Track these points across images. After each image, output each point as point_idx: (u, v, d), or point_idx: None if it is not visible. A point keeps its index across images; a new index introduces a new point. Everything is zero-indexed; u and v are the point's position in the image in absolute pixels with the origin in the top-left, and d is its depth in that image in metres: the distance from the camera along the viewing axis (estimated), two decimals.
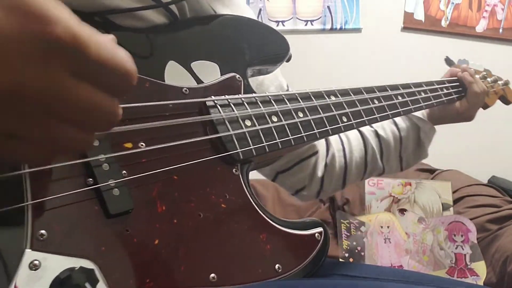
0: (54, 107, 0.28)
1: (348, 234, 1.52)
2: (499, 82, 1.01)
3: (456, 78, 0.91)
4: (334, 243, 1.52)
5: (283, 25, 2.09)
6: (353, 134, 0.85)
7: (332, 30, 2.14)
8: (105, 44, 0.30)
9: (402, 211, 1.59)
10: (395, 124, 0.87)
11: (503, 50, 2.15)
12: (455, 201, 1.61)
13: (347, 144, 0.84)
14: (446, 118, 0.91)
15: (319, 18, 2.13)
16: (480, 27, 2.15)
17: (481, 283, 1.38)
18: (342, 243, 1.50)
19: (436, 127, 0.90)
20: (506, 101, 1.05)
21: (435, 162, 1.81)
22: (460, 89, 0.90)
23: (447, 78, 0.92)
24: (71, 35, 0.27)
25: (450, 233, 1.50)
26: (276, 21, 2.09)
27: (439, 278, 0.56)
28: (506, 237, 1.40)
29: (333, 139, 0.84)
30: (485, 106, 1.00)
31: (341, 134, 0.84)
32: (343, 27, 2.14)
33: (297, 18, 2.11)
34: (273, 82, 0.74)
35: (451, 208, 1.59)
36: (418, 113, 0.88)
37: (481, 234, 1.48)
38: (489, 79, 0.99)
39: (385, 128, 0.86)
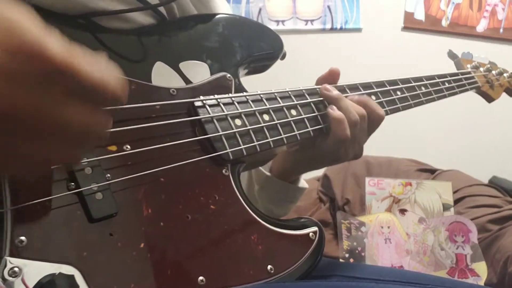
0: (46, 128, 0.29)
1: (349, 234, 1.52)
2: (505, 75, 0.99)
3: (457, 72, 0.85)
4: (335, 244, 1.51)
5: (283, 24, 2.09)
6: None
7: (332, 30, 2.14)
8: (96, 64, 0.30)
9: (403, 211, 1.59)
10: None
11: (504, 50, 2.15)
12: (456, 201, 1.61)
13: None
14: (300, 165, 0.66)
15: (319, 18, 2.13)
16: (481, 27, 2.14)
17: (481, 283, 1.38)
18: (343, 243, 1.50)
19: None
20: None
21: (435, 162, 1.81)
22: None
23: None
24: (62, 59, 0.28)
25: (451, 234, 1.50)
26: (276, 21, 2.09)
27: (439, 279, 0.56)
28: (507, 237, 1.40)
29: None
30: (490, 100, 0.97)
31: None
32: (343, 27, 2.14)
33: (297, 18, 2.11)
34: None
35: (452, 208, 1.59)
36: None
37: (482, 235, 1.47)
38: (494, 72, 0.98)
39: None
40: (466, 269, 1.43)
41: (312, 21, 2.12)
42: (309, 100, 0.59)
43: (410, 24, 2.14)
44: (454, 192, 1.62)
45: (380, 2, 2.15)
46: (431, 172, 1.76)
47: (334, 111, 0.59)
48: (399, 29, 2.16)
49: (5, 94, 0.27)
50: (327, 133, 0.60)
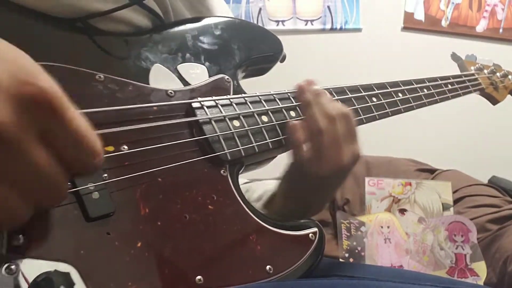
0: (7, 161, 0.28)
1: (348, 234, 1.52)
2: (510, 77, 0.99)
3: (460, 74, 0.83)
4: (334, 243, 1.51)
5: (283, 24, 2.09)
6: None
7: (332, 30, 2.14)
8: (80, 117, 0.31)
9: (402, 211, 1.59)
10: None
11: (503, 50, 2.16)
12: (455, 201, 1.61)
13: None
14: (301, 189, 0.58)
15: (319, 18, 2.13)
16: (480, 27, 2.15)
17: (481, 283, 1.38)
18: (342, 243, 1.50)
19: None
20: None
21: (435, 162, 1.81)
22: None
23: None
24: (54, 92, 0.29)
25: (450, 233, 1.50)
26: (276, 21, 2.09)
27: (438, 278, 0.56)
28: (507, 237, 1.40)
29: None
30: (495, 102, 0.97)
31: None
32: (343, 27, 2.14)
33: (297, 18, 2.11)
34: None
35: (451, 208, 1.59)
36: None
37: (482, 234, 1.48)
38: (498, 74, 0.97)
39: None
40: (465, 269, 1.44)
41: (312, 21, 2.13)
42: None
43: (410, 24, 2.14)
44: (454, 192, 1.62)
45: (380, 2, 2.15)
46: (430, 172, 1.76)
47: (304, 94, 0.55)
48: (399, 29, 2.16)
49: None
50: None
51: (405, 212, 1.59)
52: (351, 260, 1.48)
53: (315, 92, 0.56)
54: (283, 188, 0.60)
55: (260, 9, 2.08)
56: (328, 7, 2.13)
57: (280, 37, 0.65)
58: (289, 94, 0.58)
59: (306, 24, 2.12)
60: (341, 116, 0.54)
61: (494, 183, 1.75)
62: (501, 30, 2.14)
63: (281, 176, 0.60)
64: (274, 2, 2.09)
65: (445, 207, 1.60)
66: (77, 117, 0.30)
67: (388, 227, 1.54)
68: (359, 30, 2.16)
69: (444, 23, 2.15)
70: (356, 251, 1.49)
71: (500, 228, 1.45)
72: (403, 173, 1.72)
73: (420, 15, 2.14)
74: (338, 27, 2.14)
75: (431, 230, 1.52)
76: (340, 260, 1.45)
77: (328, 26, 2.14)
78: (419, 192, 1.63)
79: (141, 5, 0.53)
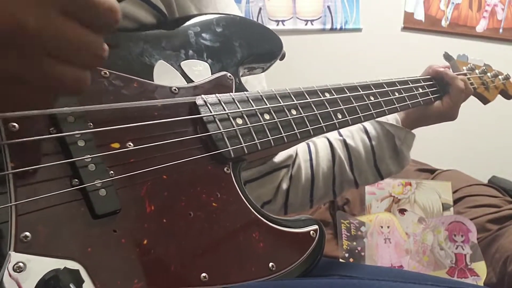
0: (48, 44, 0.31)
1: (348, 234, 1.52)
2: (500, 77, 1.00)
3: (429, 77, 0.85)
4: (334, 243, 1.51)
5: (283, 24, 2.09)
6: (322, 143, 0.82)
7: (332, 30, 2.14)
8: None
9: (402, 211, 1.59)
10: (366, 132, 0.82)
11: (503, 50, 2.15)
12: (455, 201, 1.61)
13: (315, 154, 0.81)
14: (426, 120, 0.85)
15: (319, 18, 2.13)
16: (480, 27, 2.15)
17: (481, 283, 1.38)
18: (342, 243, 1.50)
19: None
20: (507, 96, 1.04)
21: (435, 162, 1.81)
22: (436, 88, 0.85)
23: (423, 76, 0.85)
24: None
25: (450, 233, 1.50)
26: (276, 21, 2.09)
27: (438, 278, 0.56)
28: (507, 237, 1.40)
29: (301, 149, 0.81)
30: (486, 101, 0.98)
31: (310, 143, 0.81)
32: (343, 27, 2.14)
33: (297, 17, 2.11)
34: (256, 87, 0.73)
35: (451, 208, 1.59)
36: (392, 118, 0.82)
37: (482, 234, 1.48)
38: (489, 74, 0.99)
39: (355, 137, 0.81)
40: (465, 269, 1.44)
41: (312, 21, 2.13)
42: (309, 100, 0.60)
43: (410, 24, 2.14)
44: (454, 192, 1.62)
45: (380, 2, 2.15)
46: (430, 172, 1.76)
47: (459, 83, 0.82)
48: (399, 29, 2.16)
49: (13, 10, 0.28)
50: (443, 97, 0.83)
51: (405, 212, 1.59)
52: (351, 260, 1.48)
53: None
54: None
55: (260, 8, 2.08)
56: (328, 7, 2.13)
57: (280, 37, 0.65)
58: (290, 92, 0.59)
59: (306, 24, 2.12)
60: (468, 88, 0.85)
61: (494, 183, 1.75)
62: (501, 30, 2.14)
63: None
64: (274, 2, 2.09)
65: (445, 207, 1.60)
66: None
67: (388, 227, 1.54)
68: (359, 30, 2.16)
69: (444, 23, 2.15)
70: (356, 251, 1.49)
71: (500, 228, 1.45)
72: (403, 173, 1.71)
73: (420, 15, 2.14)
74: (338, 27, 2.14)
75: (431, 230, 1.52)
76: (340, 260, 1.45)
77: (328, 26, 2.14)
78: (419, 192, 1.63)
79: (152, 5, 0.54)
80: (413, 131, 0.86)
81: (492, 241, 1.44)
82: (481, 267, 1.43)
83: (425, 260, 1.48)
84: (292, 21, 2.11)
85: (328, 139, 0.82)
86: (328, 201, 1.68)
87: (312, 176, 0.79)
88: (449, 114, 0.84)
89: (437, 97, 0.83)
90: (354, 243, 1.50)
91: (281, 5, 2.10)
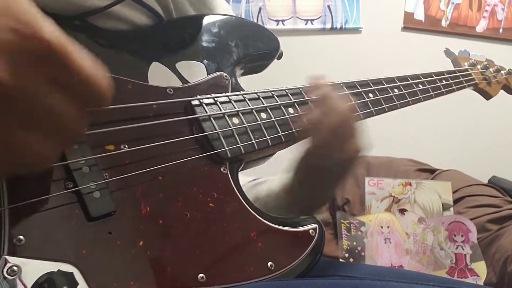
0: (21, 110, 0.28)
1: (348, 234, 1.52)
2: (502, 72, 1.00)
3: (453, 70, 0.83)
4: (334, 243, 1.51)
5: (283, 24, 2.09)
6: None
7: (332, 29, 2.14)
8: (89, 59, 0.30)
9: (402, 211, 1.59)
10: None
11: (503, 50, 2.15)
12: (456, 201, 1.61)
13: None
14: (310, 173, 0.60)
15: (319, 18, 2.13)
16: (480, 27, 2.15)
17: (481, 283, 1.38)
18: (342, 243, 1.50)
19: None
20: (509, 91, 1.03)
21: (435, 162, 1.81)
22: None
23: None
24: (59, 41, 0.28)
25: (450, 233, 1.50)
26: (276, 20, 2.09)
27: (438, 278, 0.56)
28: (507, 237, 1.40)
29: None
30: (488, 97, 0.97)
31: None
32: (343, 27, 2.14)
33: (297, 17, 2.11)
34: None
35: (452, 208, 1.59)
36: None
37: (482, 234, 1.48)
38: (491, 69, 0.98)
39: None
40: (465, 269, 1.44)
41: (312, 20, 2.12)
42: (306, 98, 0.60)
43: (410, 24, 2.14)
44: (454, 192, 1.62)
45: (380, 2, 2.15)
46: (430, 172, 1.76)
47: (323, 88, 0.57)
48: (399, 29, 2.16)
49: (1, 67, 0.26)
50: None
51: (405, 212, 1.59)
52: (351, 260, 1.47)
53: (327, 88, 0.58)
54: (289, 182, 0.62)
55: (260, 8, 2.08)
56: (328, 6, 2.13)
57: (280, 37, 0.65)
58: (287, 91, 0.59)
59: (306, 24, 2.12)
60: (351, 111, 0.58)
61: (494, 183, 1.75)
62: (501, 30, 2.14)
63: (286, 172, 0.62)
64: (274, 1, 2.09)
65: (445, 207, 1.60)
66: (85, 61, 0.30)
67: (388, 227, 1.54)
68: (359, 30, 2.16)
69: (444, 23, 2.15)
70: (356, 251, 1.49)
71: (500, 228, 1.45)
72: (403, 173, 1.72)
73: (420, 15, 2.14)
74: (338, 26, 2.14)
75: (431, 230, 1.52)
76: (340, 260, 1.45)
77: (328, 25, 2.14)
78: (419, 192, 1.63)
79: (139, 1, 0.53)
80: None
81: (492, 241, 1.44)
82: (481, 267, 1.43)
83: (425, 260, 1.48)
84: (292, 20, 2.11)
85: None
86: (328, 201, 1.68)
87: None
88: (324, 156, 0.56)
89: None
90: (354, 243, 1.50)
91: (281, 5, 2.10)
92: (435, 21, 2.14)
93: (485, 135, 2.16)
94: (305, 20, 2.12)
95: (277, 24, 2.08)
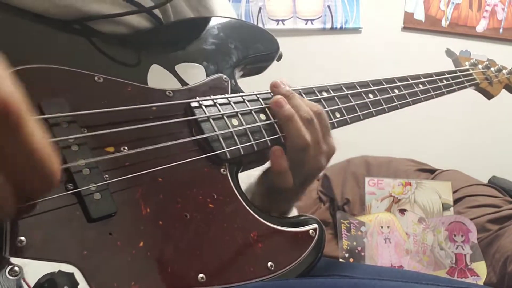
0: None
1: (348, 234, 1.52)
2: (504, 71, 0.99)
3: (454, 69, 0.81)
4: (334, 243, 1.51)
5: (283, 24, 2.09)
6: None
7: (332, 29, 2.14)
8: (39, 133, 0.28)
9: (402, 211, 1.59)
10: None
11: (503, 50, 2.16)
12: (455, 201, 1.61)
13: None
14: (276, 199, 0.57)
15: (319, 18, 2.13)
16: (480, 27, 2.15)
17: (481, 283, 1.38)
18: (342, 243, 1.50)
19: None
20: (511, 90, 1.03)
21: (435, 162, 1.81)
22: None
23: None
24: (13, 104, 0.25)
25: (450, 233, 1.50)
26: (276, 20, 2.09)
27: (439, 278, 0.56)
28: (507, 237, 1.40)
29: None
30: (490, 96, 0.97)
31: None
32: (343, 27, 2.14)
33: (297, 17, 2.11)
34: None
35: (451, 208, 1.59)
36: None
37: (482, 234, 1.48)
38: (492, 69, 0.98)
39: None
40: (465, 269, 1.44)
41: (312, 20, 2.13)
42: (305, 99, 0.59)
43: (410, 24, 2.14)
44: (454, 192, 1.62)
45: (380, 2, 2.15)
46: (430, 172, 1.76)
47: (282, 108, 0.52)
48: (399, 29, 2.16)
49: None
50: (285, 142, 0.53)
51: (405, 212, 1.59)
52: (351, 260, 1.48)
53: (288, 95, 0.54)
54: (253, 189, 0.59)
55: (260, 8, 2.08)
56: (328, 6, 2.13)
57: (280, 37, 0.65)
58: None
59: (306, 24, 2.12)
60: (317, 116, 0.54)
61: (494, 183, 1.75)
62: (501, 30, 2.14)
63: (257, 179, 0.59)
64: (274, 1, 2.09)
65: (445, 207, 1.60)
66: (36, 132, 0.27)
67: (388, 227, 1.54)
68: (359, 30, 2.16)
69: (444, 23, 2.15)
70: (356, 251, 1.49)
71: (500, 228, 1.45)
72: (403, 173, 1.72)
73: (420, 15, 2.14)
74: (338, 26, 2.14)
75: (431, 230, 1.52)
76: (340, 260, 1.45)
77: (328, 25, 2.14)
78: (419, 192, 1.63)
79: (149, 13, 0.53)
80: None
81: (492, 241, 1.44)
82: (481, 267, 1.43)
83: (425, 260, 1.48)
84: (292, 20, 2.11)
85: None
86: (328, 201, 1.68)
87: None
88: (305, 166, 0.54)
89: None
90: (354, 243, 1.50)
91: (281, 5, 2.10)
92: (435, 21, 2.14)
93: (485, 135, 2.16)
94: (305, 20, 2.12)
95: (277, 24, 2.09)
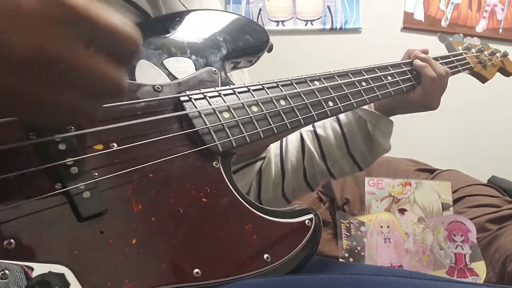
0: (69, 76, 0.31)
1: (348, 234, 1.52)
2: (497, 55, 0.98)
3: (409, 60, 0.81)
4: (334, 243, 1.51)
5: (283, 25, 2.10)
6: (293, 136, 0.80)
7: (332, 30, 2.14)
8: (113, 15, 0.33)
9: (402, 211, 1.59)
10: (338, 120, 0.80)
11: (503, 50, 2.15)
12: (455, 201, 1.61)
13: (285, 147, 0.80)
14: (398, 108, 0.79)
15: (319, 18, 2.13)
16: (480, 27, 2.15)
17: (481, 283, 1.38)
18: (342, 243, 1.50)
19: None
20: (505, 73, 1.01)
21: (435, 162, 1.81)
22: (408, 76, 0.79)
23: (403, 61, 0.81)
24: (81, 5, 0.31)
25: (450, 233, 1.50)
26: (276, 21, 2.09)
27: (438, 278, 0.56)
28: (506, 237, 1.40)
29: (273, 143, 0.79)
30: (484, 80, 0.96)
31: (284, 138, 0.81)
32: (343, 27, 2.14)
33: (297, 18, 2.11)
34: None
35: (451, 208, 1.59)
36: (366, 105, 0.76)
37: (481, 234, 1.48)
38: (486, 52, 0.97)
39: (326, 126, 0.80)
40: (465, 269, 1.44)
41: (312, 21, 2.13)
42: (298, 90, 0.59)
43: (410, 25, 2.14)
44: (453, 192, 1.62)
45: (380, 3, 2.15)
46: (430, 172, 1.76)
47: (433, 67, 0.77)
48: (399, 29, 2.16)
49: (37, 35, 0.29)
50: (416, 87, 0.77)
51: (404, 212, 1.59)
52: (351, 260, 1.48)
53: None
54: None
55: (260, 9, 2.09)
56: (328, 7, 2.13)
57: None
58: (278, 83, 0.58)
59: (306, 24, 2.12)
60: (448, 72, 0.79)
61: (494, 183, 1.75)
62: (501, 30, 2.14)
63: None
64: (274, 2, 2.09)
65: (445, 207, 1.60)
66: (109, 18, 0.32)
67: (388, 227, 1.54)
68: (359, 30, 2.16)
69: (443, 23, 2.15)
70: (356, 251, 1.49)
71: (500, 228, 1.45)
72: (402, 173, 1.72)
73: (420, 15, 2.14)
74: (338, 27, 2.14)
75: (430, 230, 1.53)
76: (340, 260, 1.45)
77: (328, 26, 2.14)
78: (419, 192, 1.63)
79: (138, 8, 0.53)
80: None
81: (492, 240, 1.44)
82: (480, 267, 1.43)
83: (425, 259, 1.48)
84: (292, 21, 2.11)
85: (300, 132, 0.81)
86: (328, 201, 1.68)
87: (282, 170, 0.78)
88: (423, 104, 0.78)
89: (410, 86, 0.78)
90: (354, 243, 1.50)
91: (281, 6, 2.10)
92: (434, 21, 2.14)
93: (485, 135, 2.16)
94: (305, 20, 2.12)
95: (277, 25, 2.09)
